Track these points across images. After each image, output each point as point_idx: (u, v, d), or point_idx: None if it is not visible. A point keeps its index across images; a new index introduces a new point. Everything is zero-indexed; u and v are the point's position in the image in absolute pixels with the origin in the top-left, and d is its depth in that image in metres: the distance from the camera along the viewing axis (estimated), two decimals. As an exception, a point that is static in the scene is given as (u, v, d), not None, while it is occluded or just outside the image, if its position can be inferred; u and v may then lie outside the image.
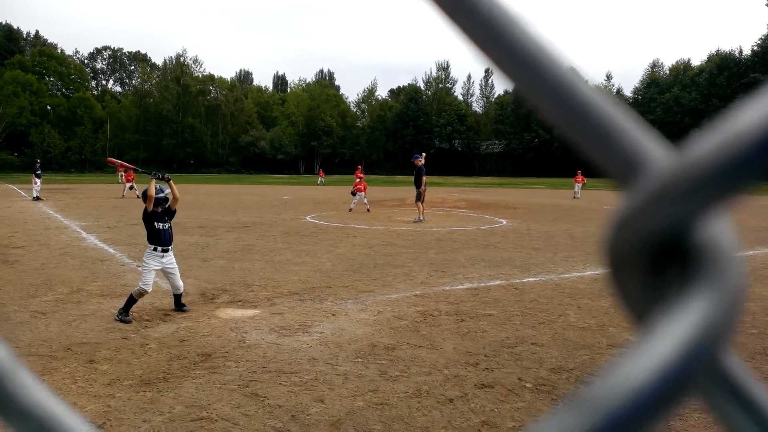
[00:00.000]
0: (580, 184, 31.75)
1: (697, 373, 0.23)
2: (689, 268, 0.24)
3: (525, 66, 0.26)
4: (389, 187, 42.03)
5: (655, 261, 0.25)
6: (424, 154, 17.54)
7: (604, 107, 0.26)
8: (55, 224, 14.97)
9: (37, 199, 23.86)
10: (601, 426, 0.21)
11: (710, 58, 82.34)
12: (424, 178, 16.58)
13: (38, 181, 24.73)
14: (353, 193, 20.69)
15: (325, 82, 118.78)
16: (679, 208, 0.23)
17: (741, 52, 78.51)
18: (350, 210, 20.07)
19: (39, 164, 26.40)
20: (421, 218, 16.42)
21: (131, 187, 26.68)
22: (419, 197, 16.62)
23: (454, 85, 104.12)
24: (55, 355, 4.82)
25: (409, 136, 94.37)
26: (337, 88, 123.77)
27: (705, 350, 0.22)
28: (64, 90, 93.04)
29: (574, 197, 31.00)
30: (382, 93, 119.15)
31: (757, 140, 0.21)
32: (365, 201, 20.43)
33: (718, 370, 0.26)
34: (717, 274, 0.24)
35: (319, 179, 53.84)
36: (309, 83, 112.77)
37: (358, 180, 20.93)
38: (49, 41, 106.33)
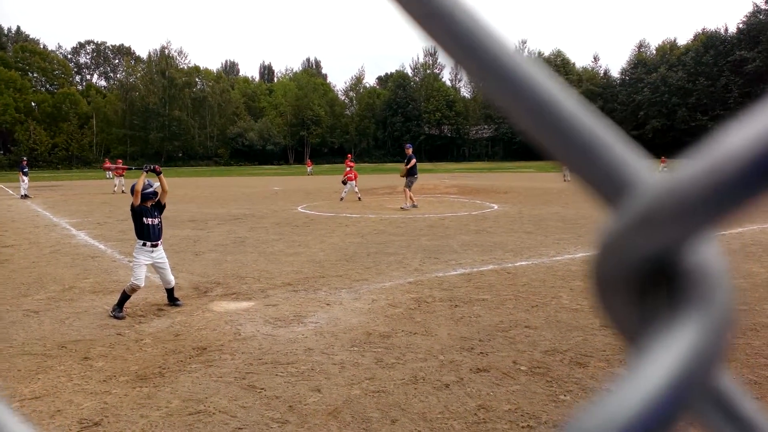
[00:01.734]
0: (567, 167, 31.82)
1: (689, 399, 0.22)
2: (678, 293, 0.24)
3: (501, 79, 0.25)
4: (380, 175, 41.98)
5: (644, 285, 0.24)
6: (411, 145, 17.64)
7: (588, 122, 0.25)
8: (45, 222, 14.85)
9: (25, 197, 23.65)
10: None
11: (696, 37, 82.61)
12: (406, 166, 16.61)
13: (26, 178, 24.52)
14: (344, 182, 20.66)
15: (312, 70, 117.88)
16: (668, 232, 0.23)
17: (727, 30, 78.83)
18: (341, 199, 20.05)
19: (26, 162, 26.18)
20: (414, 204, 16.41)
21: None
22: (409, 184, 16.61)
23: (442, 70, 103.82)
24: (50, 353, 4.80)
25: (398, 124, 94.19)
26: (325, 76, 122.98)
27: (695, 377, 0.22)
28: (48, 86, 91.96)
29: (564, 180, 31.10)
30: (369, 80, 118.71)
31: (747, 163, 0.20)
32: (356, 190, 20.42)
33: (711, 392, 0.26)
34: (706, 300, 0.23)
35: (308, 169, 53.46)
36: (296, 72, 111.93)
37: (348, 169, 20.88)
38: (31, 37, 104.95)
